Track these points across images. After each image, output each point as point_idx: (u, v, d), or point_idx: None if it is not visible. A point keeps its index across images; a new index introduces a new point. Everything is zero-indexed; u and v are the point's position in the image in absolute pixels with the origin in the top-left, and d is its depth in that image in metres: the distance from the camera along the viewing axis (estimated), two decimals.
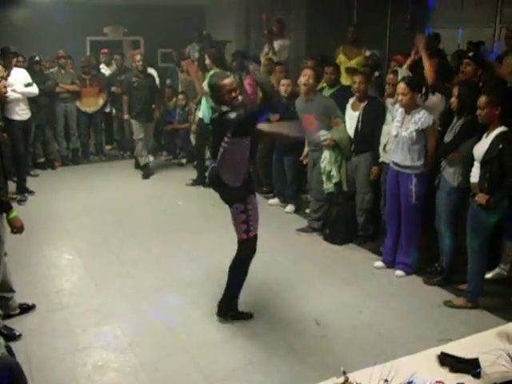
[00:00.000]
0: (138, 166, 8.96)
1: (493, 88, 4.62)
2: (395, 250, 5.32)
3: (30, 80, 7.68)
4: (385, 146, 5.40)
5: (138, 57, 8.43)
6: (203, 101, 7.87)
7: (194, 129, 8.63)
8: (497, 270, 5.05)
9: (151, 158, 9.30)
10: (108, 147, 10.22)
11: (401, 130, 4.96)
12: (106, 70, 9.77)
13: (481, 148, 4.32)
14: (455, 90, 4.66)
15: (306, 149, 6.42)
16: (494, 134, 4.25)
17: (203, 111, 7.80)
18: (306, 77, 5.96)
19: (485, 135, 4.34)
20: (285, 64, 7.67)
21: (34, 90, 7.75)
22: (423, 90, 5.01)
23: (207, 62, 7.51)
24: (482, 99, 4.26)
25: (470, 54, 5.50)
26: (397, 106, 5.15)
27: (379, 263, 5.43)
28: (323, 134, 5.97)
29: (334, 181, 5.97)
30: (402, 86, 4.86)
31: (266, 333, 4.23)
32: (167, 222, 6.80)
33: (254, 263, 5.46)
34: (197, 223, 6.73)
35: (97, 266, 5.46)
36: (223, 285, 4.49)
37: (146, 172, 8.76)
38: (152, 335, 4.24)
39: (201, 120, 8.00)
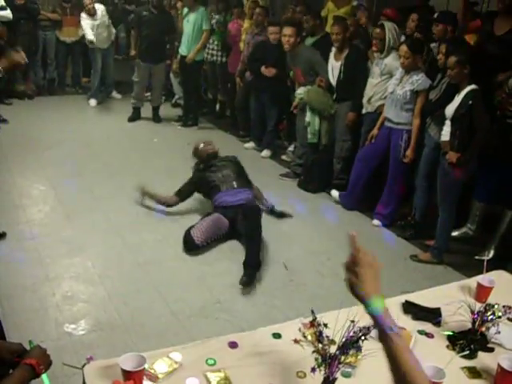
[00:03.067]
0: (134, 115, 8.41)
1: (461, 47, 4.62)
2: (353, 192, 5.58)
3: (2, 3, 7.41)
4: (370, 98, 5.42)
5: None
6: (183, 38, 7.77)
7: (174, 67, 8.47)
8: (463, 229, 5.16)
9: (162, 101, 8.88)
10: (85, 79, 9.99)
11: (397, 88, 4.99)
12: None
13: (452, 106, 4.37)
14: (443, 48, 4.65)
15: (297, 100, 6.40)
16: (464, 92, 4.30)
17: (182, 45, 7.82)
18: (285, 37, 5.97)
19: (457, 94, 4.37)
20: (265, 7, 7.52)
21: (7, 14, 7.47)
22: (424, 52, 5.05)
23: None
24: (452, 59, 4.28)
25: (436, 16, 5.48)
26: (387, 60, 5.22)
27: (335, 193, 5.81)
28: (299, 93, 6.03)
29: (313, 132, 6.01)
30: (403, 49, 4.86)
31: (234, 273, 4.29)
32: (142, 158, 6.76)
33: None
34: (171, 161, 6.71)
35: (69, 197, 5.44)
36: (195, 222, 4.58)
37: (134, 115, 8.33)
38: (122, 269, 4.28)
39: (182, 57, 7.89)
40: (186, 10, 7.85)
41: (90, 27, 8.33)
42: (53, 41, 8.94)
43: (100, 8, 8.57)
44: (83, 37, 8.85)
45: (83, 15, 8.37)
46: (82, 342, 3.43)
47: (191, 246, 4.57)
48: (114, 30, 8.94)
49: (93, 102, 9.08)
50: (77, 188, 5.68)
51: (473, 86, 4.27)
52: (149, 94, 8.61)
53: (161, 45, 7.99)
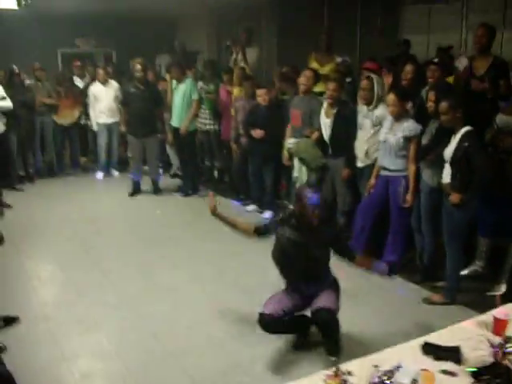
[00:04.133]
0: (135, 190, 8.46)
1: (451, 92, 4.77)
2: (358, 243, 5.54)
3: (3, 93, 7.64)
4: (366, 151, 5.54)
5: (138, 66, 7.86)
6: (174, 110, 7.99)
7: (169, 139, 8.65)
8: (472, 267, 5.19)
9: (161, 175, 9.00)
10: (83, 159, 10.18)
11: (388, 137, 5.11)
12: (79, 83, 9.75)
13: (449, 149, 4.47)
14: (431, 95, 4.80)
15: (286, 153, 6.55)
16: (459, 134, 4.41)
17: (173, 118, 8.05)
18: (305, 77, 6.28)
19: (453, 137, 4.49)
20: (252, 78, 7.75)
21: (7, 103, 7.68)
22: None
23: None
24: (443, 105, 4.41)
25: (436, 60, 5.66)
26: (377, 111, 5.36)
27: None
28: (289, 143, 6.19)
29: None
30: (392, 98, 5.02)
31: (249, 334, 4.29)
32: (146, 230, 6.83)
33: (236, 268, 5.56)
34: (175, 232, 6.77)
35: (78, 275, 5.46)
36: (206, 289, 4.55)
37: (134, 189, 8.39)
38: (137, 342, 4.26)
39: (175, 129, 8.09)
40: (174, 82, 8.11)
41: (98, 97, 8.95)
42: (50, 125, 9.15)
43: (114, 83, 9.07)
44: (79, 118, 9.09)
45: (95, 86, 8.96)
46: None
47: (267, 322, 3.83)
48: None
49: (99, 175, 9.34)
50: (85, 265, 5.71)
51: (467, 128, 4.38)
52: (146, 167, 8.75)
53: (150, 119, 8.11)
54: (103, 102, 9.00)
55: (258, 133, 6.81)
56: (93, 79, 9.39)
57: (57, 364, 3.97)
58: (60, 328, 4.46)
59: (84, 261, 5.84)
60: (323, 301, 3.73)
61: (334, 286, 3.89)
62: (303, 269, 3.80)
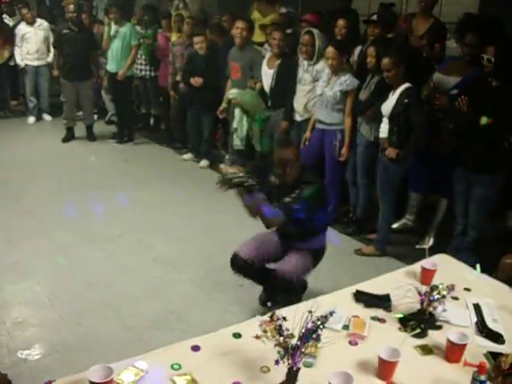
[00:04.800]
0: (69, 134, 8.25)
1: (394, 48, 4.83)
2: None
3: None
4: (305, 105, 5.55)
5: (71, 6, 7.52)
6: (109, 53, 7.75)
7: (105, 85, 8.41)
8: (403, 220, 5.37)
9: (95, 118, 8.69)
10: (13, 102, 9.77)
11: (326, 90, 5.13)
12: (9, 21, 9.26)
13: (388, 104, 4.55)
14: (371, 50, 4.83)
15: (224, 104, 6.48)
16: (399, 90, 4.48)
17: (109, 62, 7.81)
18: (238, 30, 6.11)
19: (391, 93, 4.56)
20: (195, 18, 7.59)
21: None
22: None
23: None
24: (386, 61, 4.44)
25: (375, 18, 5.67)
26: (318, 66, 5.35)
27: None
28: (232, 93, 6.12)
29: (239, 138, 6.11)
30: (331, 51, 4.99)
31: (185, 283, 4.34)
32: (80, 177, 6.69)
33: (172, 217, 5.56)
34: (110, 179, 6.67)
35: (10, 222, 5.32)
36: (141, 239, 4.54)
37: (68, 135, 8.19)
38: (71, 290, 4.23)
39: (111, 74, 7.87)
40: (112, 25, 7.84)
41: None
42: None
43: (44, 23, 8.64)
44: (9, 59, 8.68)
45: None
46: (38, 366, 3.37)
47: (239, 266, 3.76)
48: (52, 51, 8.67)
49: (31, 119, 9.02)
50: (17, 212, 5.56)
51: (408, 85, 4.45)
52: (81, 113, 8.51)
53: (84, 62, 7.87)
54: (31, 43, 8.59)
55: (196, 80, 6.71)
56: (22, 18, 8.92)
57: None
58: None
59: (16, 207, 5.69)
60: (286, 263, 3.62)
61: (311, 253, 3.70)
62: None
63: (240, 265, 3.71)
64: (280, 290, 3.56)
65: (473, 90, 4.15)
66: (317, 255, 3.76)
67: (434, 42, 5.01)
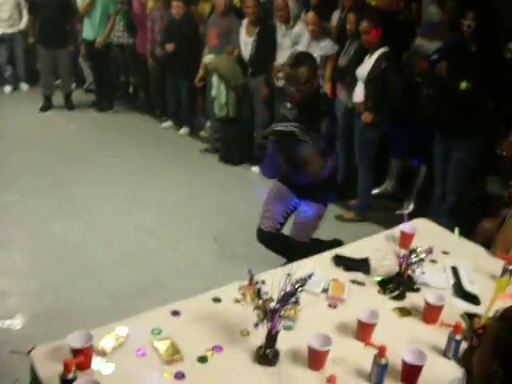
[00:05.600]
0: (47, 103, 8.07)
1: (371, 12, 4.79)
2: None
3: None
4: None
5: None
6: (87, 22, 7.60)
7: (82, 52, 8.26)
8: (383, 186, 5.41)
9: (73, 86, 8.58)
10: None
11: None
12: None
13: (364, 68, 4.53)
14: (351, 16, 4.78)
15: (201, 71, 6.41)
16: (376, 54, 4.46)
17: (87, 30, 7.63)
18: None
19: (367, 56, 4.53)
20: None
21: None
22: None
23: None
24: (364, 24, 4.41)
25: None
26: (297, 29, 5.29)
27: (255, 169, 5.87)
28: (209, 58, 6.06)
29: (219, 105, 6.07)
30: (311, 16, 4.94)
31: (166, 251, 4.34)
32: (59, 147, 6.60)
33: (152, 186, 5.53)
34: (89, 148, 6.60)
35: None
36: (121, 208, 4.52)
37: (46, 104, 8.00)
38: (52, 259, 4.21)
39: (88, 42, 7.72)
40: None
41: None
42: None
43: None
44: None
45: None
46: (21, 336, 3.38)
47: (265, 240, 3.77)
48: (25, 16, 8.40)
49: (7, 88, 8.82)
50: None
51: (384, 49, 4.43)
52: (59, 81, 8.36)
53: (60, 29, 7.66)
54: (2, 9, 8.23)
55: (169, 47, 6.64)
56: None
57: None
58: None
59: None
60: (296, 229, 3.68)
61: (315, 211, 3.63)
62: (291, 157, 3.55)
63: (267, 238, 3.72)
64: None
65: (452, 55, 4.15)
66: (320, 211, 3.68)
67: (410, 1, 5.00)
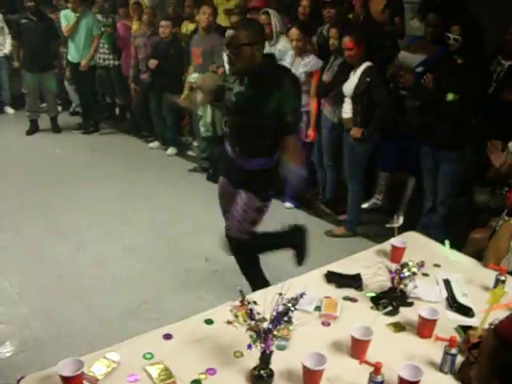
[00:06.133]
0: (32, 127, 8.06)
1: (354, 27, 4.83)
2: None
3: None
4: None
5: None
6: (72, 44, 7.61)
7: (67, 75, 8.26)
8: (372, 200, 5.41)
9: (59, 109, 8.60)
10: None
11: None
12: None
13: (350, 84, 4.54)
14: (334, 32, 4.81)
15: (186, 91, 6.42)
16: (360, 69, 4.48)
17: (71, 53, 7.69)
18: (205, 15, 6.02)
19: (352, 72, 4.55)
20: (153, 7, 7.50)
21: None
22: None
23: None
24: (347, 40, 4.42)
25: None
26: (280, 45, 5.36)
27: None
28: (193, 77, 6.08)
29: (205, 125, 6.09)
30: (296, 32, 4.97)
31: (156, 272, 4.30)
32: (46, 170, 6.55)
33: (141, 207, 5.49)
34: (76, 171, 6.55)
35: None
36: (110, 230, 4.49)
37: (32, 128, 8.01)
38: (41, 284, 4.16)
39: (73, 64, 7.71)
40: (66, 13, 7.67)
41: None
42: None
43: None
44: None
45: None
46: (9, 364, 3.32)
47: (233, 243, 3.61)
48: (9, 41, 8.45)
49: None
50: None
51: (368, 63, 4.45)
52: (44, 104, 8.34)
53: (45, 53, 7.64)
54: None
55: (152, 63, 6.70)
56: None
57: None
58: None
59: None
60: (231, 217, 3.47)
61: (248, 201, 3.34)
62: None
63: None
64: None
65: (438, 67, 4.19)
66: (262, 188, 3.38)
67: (393, 15, 5.04)
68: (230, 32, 3.19)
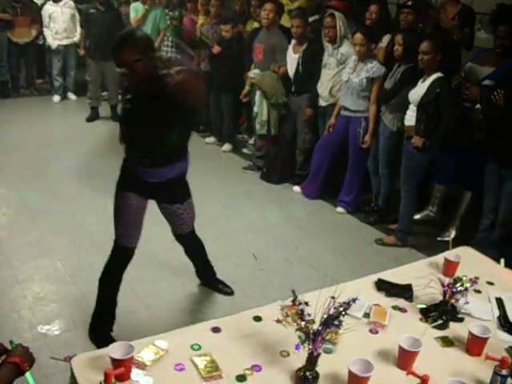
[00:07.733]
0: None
1: (435, 34, 4.75)
2: (314, 181, 5.71)
3: None
4: (331, 89, 5.51)
5: None
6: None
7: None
8: (425, 212, 5.33)
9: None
10: (39, 81, 9.82)
11: (352, 77, 5.09)
12: (37, 0, 9.26)
13: (418, 92, 4.48)
14: (399, 38, 4.76)
15: (247, 87, 6.46)
16: (431, 79, 4.40)
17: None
18: (265, 11, 6.02)
19: (421, 80, 4.49)
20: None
21: None
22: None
23: None
24: (426, 44, 4.35)
25: (409, 3, 5.58)
26: (343, 49, 5.33)
27: (297, 188, 5.91)
28: (254, 73, 6.09)
29: (260, 122, 6.10)
30: (359, 37, 4.95)
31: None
32: (104, 157, 6.66)
33: (195, 202, 5.53)
34: None
35: (33, 200, 5.36)
36: (162, 220, 4.58)
37: (92, 115, 8.21)
38: (92, 268, 4.22)
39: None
40: (136, 6, 7.84)
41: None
42: (4, 42, 8.71)
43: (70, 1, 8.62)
44: (36, 37, 8.72)
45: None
46: (57, 342, 3.43)
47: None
48: (78, 29, 8.70)
49: (56, 98, 9.05)
50: (40, 190, 5.60)
51: (439, 74, 4.38)
52: (105, 93, 8.54)
53: (110, 43, 7.75)
54: (58, 22, 8.56)
55: (216, 48, 6.74)
56: None
57: (9, 287, 3.96)
58: (13, 251, 4.42)
59: (39, 185, 5.72)
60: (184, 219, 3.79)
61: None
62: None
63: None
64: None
65: (508, 83, 4.07)
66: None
67: (464, 26, 4.95)
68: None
